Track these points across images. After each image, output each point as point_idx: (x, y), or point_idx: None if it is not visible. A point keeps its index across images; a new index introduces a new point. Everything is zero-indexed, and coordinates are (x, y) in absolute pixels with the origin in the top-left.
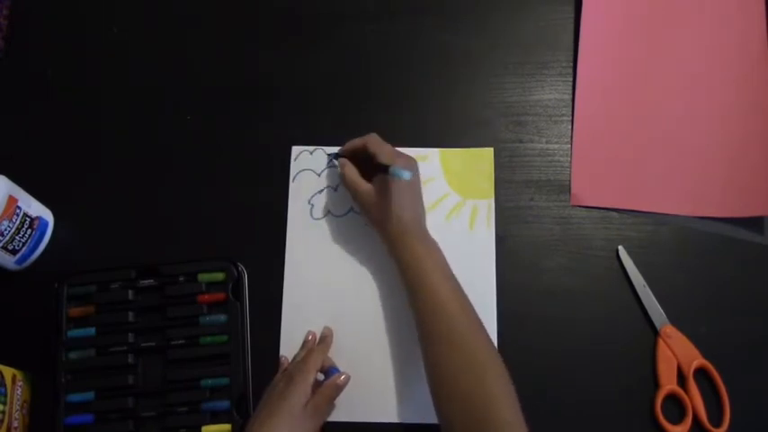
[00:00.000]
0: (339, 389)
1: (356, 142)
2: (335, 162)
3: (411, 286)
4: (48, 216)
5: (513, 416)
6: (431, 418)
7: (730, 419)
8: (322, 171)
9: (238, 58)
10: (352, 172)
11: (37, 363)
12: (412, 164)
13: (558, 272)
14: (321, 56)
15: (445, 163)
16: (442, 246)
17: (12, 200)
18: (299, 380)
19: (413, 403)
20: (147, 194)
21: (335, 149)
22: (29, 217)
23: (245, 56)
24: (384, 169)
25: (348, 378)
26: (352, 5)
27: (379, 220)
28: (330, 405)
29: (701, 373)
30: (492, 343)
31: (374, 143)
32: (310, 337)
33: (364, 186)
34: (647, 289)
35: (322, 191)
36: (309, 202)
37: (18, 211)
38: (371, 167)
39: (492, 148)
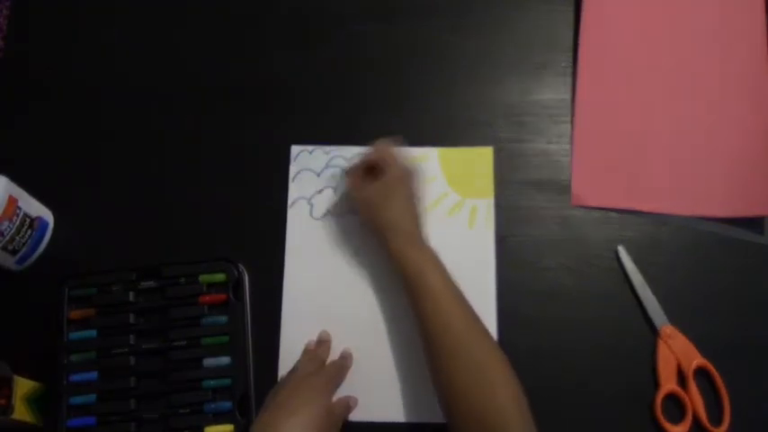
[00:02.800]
0: (350, 410)
1: (364, 159)
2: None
3: (411, 293)
4: (48, 216)
5: (524, 423)
6: (431, 416)
7: (730, 419)
8: (322, 171)
9: (238, 59)
10: (353, 180)
11: (38, 364)
12: (406, 170)
13: (558, 272)
14: (321, 56)
15: (444, 162)
16: (441, 245)
17: (12, 200)
18: (327, 387)
19: (413, 402)
20: (147, 195)
21: (335, 148)
22: (29, 217)
23: (245, 56)
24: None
25: (356, 403)
26: (353, 5)
27: (380, 226)
28: (340, 422)
29: (701, 373)
30: (498, 348)
31: (379, 148)
32: (312, 346)
33: (364, 191)
34: (647, 289)
35: (322, 191)
36: (309, 202)
37: (18, 211)
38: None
39: (491, 148)
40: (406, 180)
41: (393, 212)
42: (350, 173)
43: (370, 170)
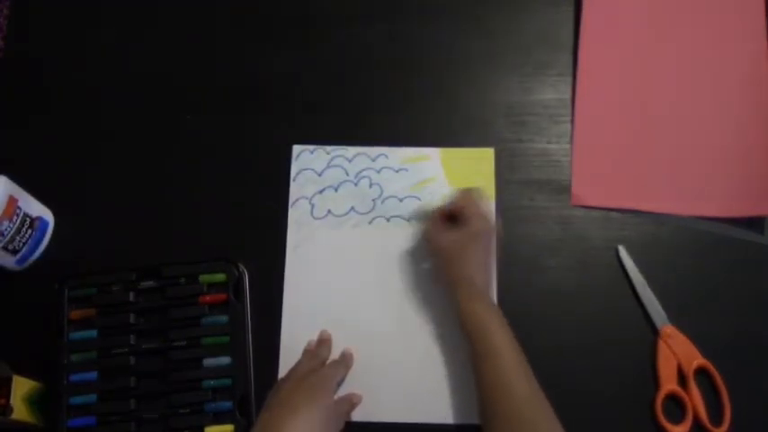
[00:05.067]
0: (353, 407)
1: (448, 207)
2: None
3: (474, 351)
4: (48, 216)
5: None
6: (433, 417)
7: (730, 419)
8: (323, 171)
9: (239, 58)
10: (433, 226)
11: (38, 364)
12: (488, 227)
13: (558, 272)
14: (322, 56)
15: (446, 163)
16: None
17: (12, 200)
18: (328, 385)
19: (415, 402)
20: (148, 194)
21: (336, 148)
22: (29, 217)
23: (245, 55)
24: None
25: (360, 400)
26: (353, 6)
27: (453, 279)
28: (343, 419)
29: (701, 373)
30: (552, 411)
31: (464, 198)
32: (312, 346)
33: (443, 240)
34: (648, 289)
35: (323, 190)
36: (310, 202)
37: (18, 211)
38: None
39: (493, 149)
40: (485, 234)
41: (468, 267)
42: (430, 220)
43: (449, 217)
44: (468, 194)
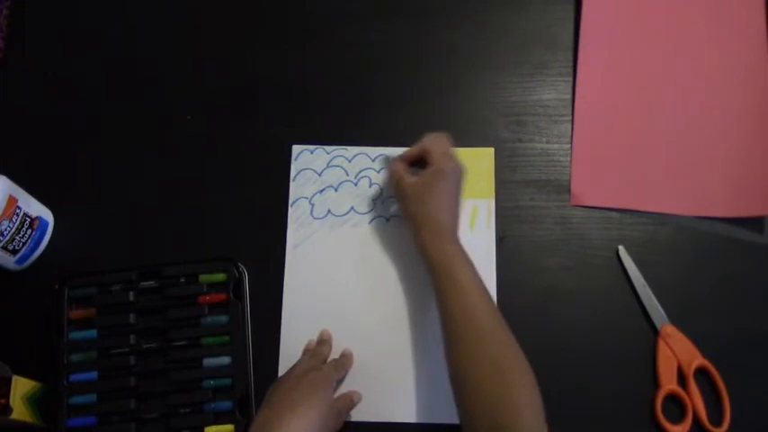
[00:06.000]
0: (353, 405)
1: (414, 149)
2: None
3: (439, 288)
4: (48, 216)
5: (537, 424)
6: (433, 417)
7: (730, 419)
8: (323, 170)
9: (239, 58)
10: (399, 166)
11: (38, 364)
12: (454, 167)
13: (558, 272)
14: (322, 55)
15: None
16: None
17: (12, 200)
18: (328, 383)
19: (415, 402)
20: (148, 194)
21: (336, 147)
22: (29, 217)
23: (245, 55)
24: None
25: (360, 398)
26: (353, 5)
27: (415, 218)
28: (342, 417)
29: (701, 373)
30: (519, 350)
31: (430, 140)
32: (312, 345)
33: (409, 179)
34: (647, 289)
35: (323, 190)
36: (310, 202)
37: (18, 211)
38: (423, 165)
39: (492, 149)
40: (450, 176)
41: (431, 206)
42: (397, 161)
43: (417, 161)
44: (434, 138)
